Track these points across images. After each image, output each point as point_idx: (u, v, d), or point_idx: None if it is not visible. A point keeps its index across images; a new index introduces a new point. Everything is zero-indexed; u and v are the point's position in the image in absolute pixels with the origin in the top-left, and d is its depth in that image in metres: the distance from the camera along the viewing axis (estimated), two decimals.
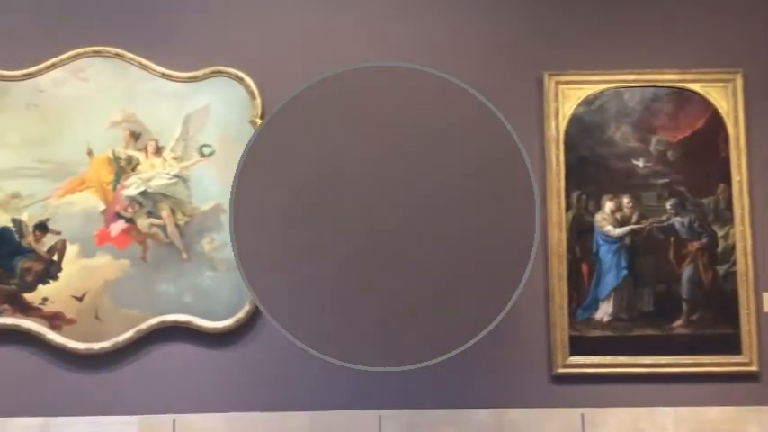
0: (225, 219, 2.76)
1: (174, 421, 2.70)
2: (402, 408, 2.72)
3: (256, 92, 2.79)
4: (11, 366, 2.71)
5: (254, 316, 2.73)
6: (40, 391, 2.70)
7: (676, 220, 2.79)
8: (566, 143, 2.80)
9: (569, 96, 2.81)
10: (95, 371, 2.72)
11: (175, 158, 2.78)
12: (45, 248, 2.73)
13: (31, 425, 2.68)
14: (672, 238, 2.78)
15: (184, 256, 2.75)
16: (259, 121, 2.77)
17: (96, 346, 2.70)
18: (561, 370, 2.74)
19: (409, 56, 2.83)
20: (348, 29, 2.86)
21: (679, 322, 2.76)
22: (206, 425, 2.70)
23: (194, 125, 2.78)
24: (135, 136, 2.77)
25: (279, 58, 2.82)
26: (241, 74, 2.79)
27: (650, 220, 2.79)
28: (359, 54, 2.82)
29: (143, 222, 2.75)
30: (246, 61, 2.80)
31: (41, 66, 2.79)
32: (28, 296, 2.71)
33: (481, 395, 2.74)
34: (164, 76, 2.79)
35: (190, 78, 2.79)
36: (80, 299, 2.72)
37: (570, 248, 2.77)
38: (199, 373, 2.73)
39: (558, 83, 2.81)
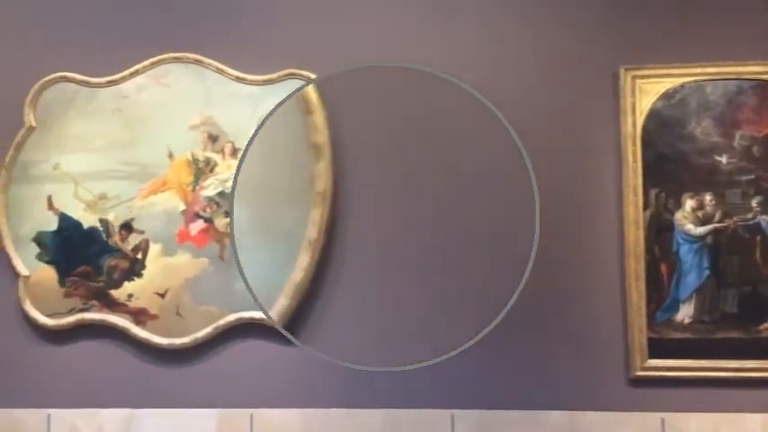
0: None
1: (251, 416, 2.76)
2: (475, 408, 2.70)
3: None
4: (99, 360, 2.84)
5: None
6: (125, 384, 2.82)
7: (763, 219, 2.66)
8: (643, 139, 2.69)
9: (647, 91, 2.71)
10: (177, 365, 2.81)
11: None
12: (130, 247, 2.84)
13: (118, 416, 2.80)
14: (758, 237, 2.65)
15: None
16: None
17: (178, 341, 2.79)
18: (639, 373, 2.65)
19: (482, 54, 2.80)
20: (415, 28, 2.85)
21: (766, 325, 2.63)
22: (282, 420, 2.75)
23: None
24: (212, 138, 2.85)
25: (350, 60, 2.83)
26: (313, 76, 2.82)
27: (734, 218, 2.66)
28: (426, 54, 2.81)
29: (221, 222, 2.82)
30: (319, 63, 2.83)
31: (125, 72, 2.89)
32: (114, 293, 2.83)
33: (555, 397, 2.69)
34: (239, 79, 2.85)
35: (264, 81, 2.84)
36: (163, 295, 2.82)
37: (648, 248, 2.68)
38: (274, 369, 2.78)
39: (634, 77, 2.71)
